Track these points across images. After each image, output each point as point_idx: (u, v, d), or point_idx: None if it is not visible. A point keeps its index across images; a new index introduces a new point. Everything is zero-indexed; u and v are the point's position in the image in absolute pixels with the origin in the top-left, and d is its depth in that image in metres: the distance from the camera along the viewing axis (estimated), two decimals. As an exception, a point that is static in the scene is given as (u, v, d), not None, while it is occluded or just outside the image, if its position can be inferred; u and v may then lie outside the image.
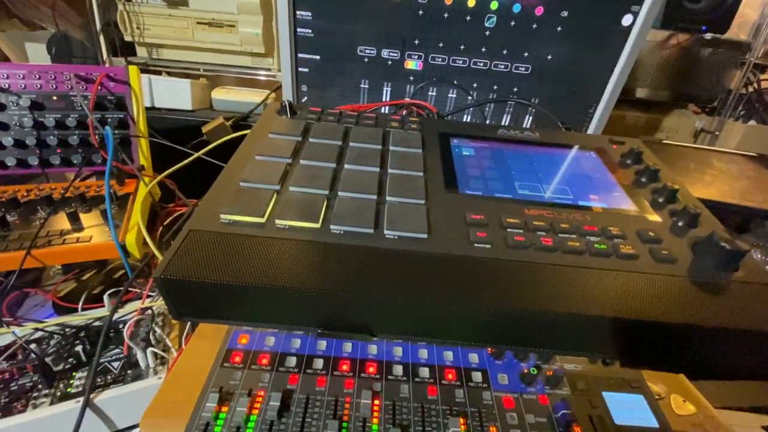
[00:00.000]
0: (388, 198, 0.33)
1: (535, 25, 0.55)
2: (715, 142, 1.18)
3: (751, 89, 1.23)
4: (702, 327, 0.26)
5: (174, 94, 0.92)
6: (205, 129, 0.85)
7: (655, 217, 0.35)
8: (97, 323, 0.54)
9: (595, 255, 0.30)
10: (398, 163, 0.37)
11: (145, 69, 1.03)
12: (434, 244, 0.29)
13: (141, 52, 1.03)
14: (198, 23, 0.98)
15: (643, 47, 1.07)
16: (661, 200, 0.37)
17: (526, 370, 0.38)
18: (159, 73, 1.02)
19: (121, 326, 0.53)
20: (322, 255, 0.27)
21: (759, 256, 0.68)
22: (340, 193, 0.33)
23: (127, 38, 0.99)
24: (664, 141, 0.87)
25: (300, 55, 0.57)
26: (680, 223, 0.34)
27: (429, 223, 0.31)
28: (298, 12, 0.54)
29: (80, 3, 0.99)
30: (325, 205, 0.31)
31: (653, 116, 1.13)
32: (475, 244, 0.30)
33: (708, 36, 1.06)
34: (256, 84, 1.05)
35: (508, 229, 0.31)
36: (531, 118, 0.62)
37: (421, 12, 0.54)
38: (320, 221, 0.30)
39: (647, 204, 0.36)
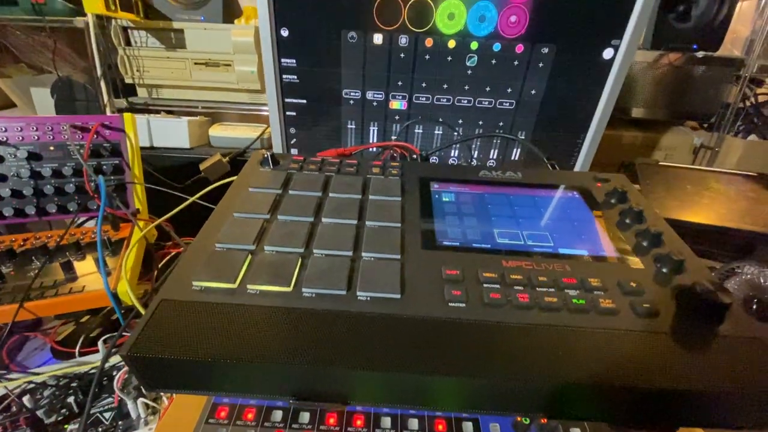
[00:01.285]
0: (363, 254, 0.33)
1: (516, 62, 0.56)
2: (716, 158, 1.16)
3: (748, 103, 1.22)
4: (682, 391, 0.25)
5: (172, 133, 0.94)
6: (202, 166, 0.87)
7: (638, 264, 0.34)
8: (93, 370, 0.54)
9: (573, 312, 0.29)
10: (376, 215, 0.37)
11: (145, 109, 1.06)
12: (407, 304, 0.29)
13: (141, 92, 1.07)
14: (195, 63, 1.01)
15: (635, 67, 1.07)
16: (645, 244, 0.36)
17: (519, 418, 0.37)
18: (158, 112, 1.05)
19: (115, 373, 0.53)
20: (292, 322, 0.27)
21: (750, 273, 0.66)
22: (315, 251, 0.33)
23: (128, 80, 1.02)
24: (661, 162, 0.86)
25: (287, 99, 0.59)
26: (664, 270, 0.33)
27: (403, 282, 0.30)
28: (282, 60, 0.55)
29: (82, 47, 1.03)
30: (299, 265, 0.31)
31: (650, 135, 1.12)
32: (450, 303, 0.29)
33: (700, 54, 1.06)
34: (257, 119, 1.07)
35: (485, 285, 0.31)
36: (518, 151, 0.62)
37: (402, 55, 0.55)
38: (292, 284, 0.30)
39: (630, 249, 0.36)
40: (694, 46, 1.05)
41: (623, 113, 1.12)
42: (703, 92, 1.12)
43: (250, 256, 0.32)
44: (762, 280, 0.65)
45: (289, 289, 0.29)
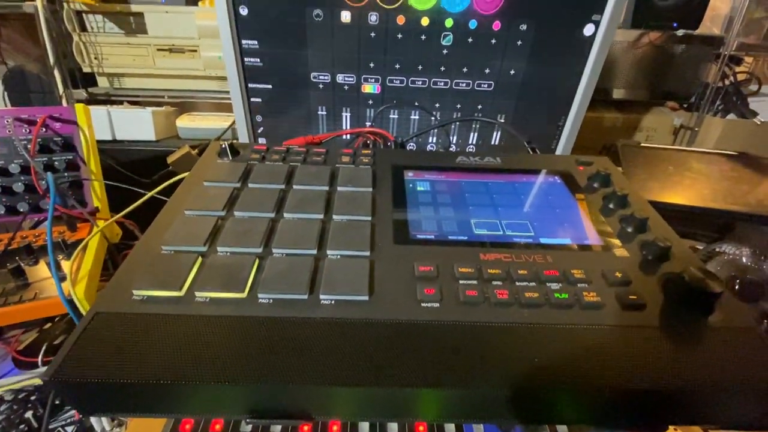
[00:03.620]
0: (328, 252, 0.30)
1: (494, 41, 0.52)
2: (695, 138, 1.16)
3: (727, 82, 1.22)
4: (673, 389, 0.23)
5: (136, 125, 0.88)
6: (170, 159, 0.81)
7: (623, 252, 0.32)
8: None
9: (555, 307, 0.27)
10: (344, 208, 0.34)
11: (107, 99, 1.00)
12: (376, 307, 0.26)
13: (102, 82, 1.00)
14: (158, 50, 0.95)
15: (615, 48, 1.06)
16: (630, 230, 0.34)
17: (502, 416, 0.35)
18: (122, 102, 0.99)
19: (77, 384, 0.49)
20: (245, 333, 0.24)
21: (731, 254, 0.66)
22: (274, 251, 0.30)
23: (86, 69, 0.96)
24: (643, 144, 0.85)
25: (251, 85, 0.54)
26: (650, 257, 0.31)
27: (372, 281, 0.28)
28: (243, 41, 0.51)
29: (34, 35, 0.95)
30: (255, 267, 0.28)
31: (631, 116, 1.11)
32: (422, 304, 0.27)
33: (680, 32, 1.05)
34: (227, 107, 1.02)
35: (460, 281, 0.28)
36: (498, 134, 0.59)
37: (373, 34, 0.51)
38: (246, 290, 0.26)
39: (615, 236, 0.33)
40: (674, 24, 1.04)
41: (604, 95, 1.11)
42: (683, 72, 1.11)
43: (200, 259, 0.28)
44: (744, 260, 0.65)
45: (243, 296, 0.26)
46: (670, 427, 0.26)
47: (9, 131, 0.58)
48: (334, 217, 0.33)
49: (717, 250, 0.70)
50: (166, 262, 0.28)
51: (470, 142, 0.60)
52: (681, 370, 0.24)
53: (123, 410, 0.24)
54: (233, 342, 0.23)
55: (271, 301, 0.26)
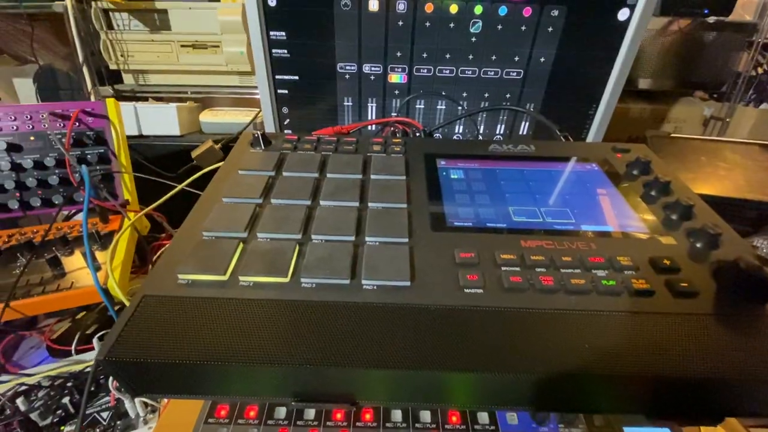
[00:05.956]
0: (367, 238, 0.30)
1: (524, 27, 0.51)
2: (727, 129, 1.12)
3: (761, 71, 1.17)
4: (729, 379, 0.22)
5: (161, 120, 0.90)
6: (194, 154, 0.83)
7: (669, 240, 0.31)
8: (88, 369, 0.52)
9: (603, 294, 0.26)
10: (379, 195, 0.34)
11: (132, 96, 1.02)
12: (418, 293, 0.26)
13: (128, 79, 1.02)
14: (182, 46, 0.96)
15: (643, 36, 1.02)
16: (674, 217, 0.33)
17: (537, 408, 0.35)
18: (146, 99, 1.01)
19: (111, 371, 0.51)
20: (290, 317, 0.24)
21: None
22: (313, 237, 0.30)
23: (113, 66, 0.98)
24: (673, 135, 0.82)
25: (277, 76, 0.54)
26: (699, 245, 0.30)
27: (412, 267, 0.27)
28: (271, 33, 0.51)
29: (63, 34, 0.98)
30: (296, 252, 0.28)
31: (659, 107, 1.08)
32: (465, 290, 0.26)
33: (711, 19, 1.01)
34: (249, 102, 1.03)
35: (503, 268, 0.28)
36: (527, 124, 0.58)
37: (400, 23, 0.51)
38: (289, 274, 0.26)
39: (659, 223, 0.32)
40: (705, 11, 1.00)
41: (630, 84, 1.07)
42: (713, 60, 1.07)
43: (241, 245, 0.29)
44: (783, 253, 0.62)
45: (286, 280, 0.26)
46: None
47: (44, 125, 0.59)
48: (370, 204, 0.33)
49: (752, 244, 0.67)
50: (208, 248, 0.28)
51: (498, 132, 0.59)
52: (740, 358, 0.23)
53: (170, 391, 0.25)
54: (279, 324, 0.24)
55: (314, 285, 0.26)
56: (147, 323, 0.23)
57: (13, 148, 0.59)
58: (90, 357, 0.55)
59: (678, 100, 1.11)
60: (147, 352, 0.22)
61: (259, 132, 0.39)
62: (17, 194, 0.59)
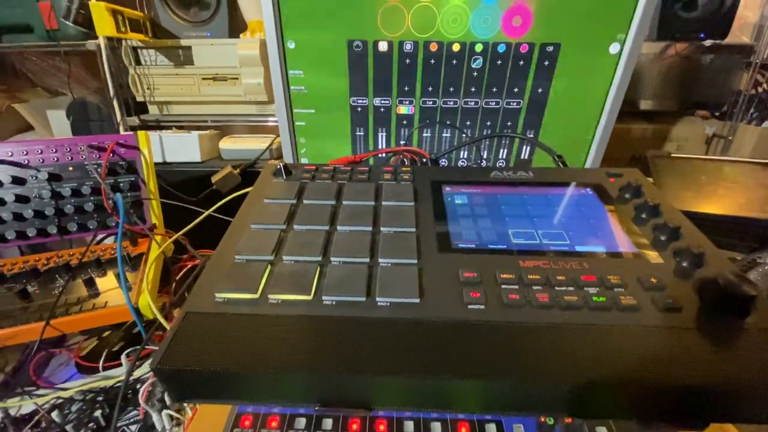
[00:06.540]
0: (380, 260, 0.33)
1: (521, 62, 0.56)
2: (729, 147, 1.14)
3: (761, 89, 1.19)
4: (712, 386, 0.24)
5: (183, 148, 0.96)
6: (214, 179, 0.88)
7: (657, 259, 0.34)
8: (117, 384, 0.56)
9: (594, 309, 0.29)
10: (391, 220, 0.37)
11: (156, 125, 1.08)
12: (427, 308, 0.29)
13: (153, 109, 1.09)
14: (203, 79, 1.03)
15: (641, 59, 1.06)
16: (663, 238, 0.36)
17: (543, 419, 0.37)
18: (170, 128, 1.07)
19: (139, 386, 0.54)
20: (313, 330, 0.28)
21: None
22: (332, 259, 0.33)
23: (139, 98, 1.05)
24: (673, 154, 0.85)
25: (295, 110, 0.59)
26: (684, 264, 0.33)
27: (421, 286, 0.31)
28: (290, 71, 0.56)
29: (94, 69, 1.05)
30: (317, 273, 0.32)
31: (662, 127, 1.11)
32: (469, 306, 0.29)
33: (708, 43, 1.05)
34: (265, 129, 1.09)
35: (503, 286, 0.31)
36: (527, 149, 0.62)
37: (408, 60, 0.56)
38: (312, 293, 0.30)
39: (648, 244, 0.35)
40: (702, 35, 1.04)
41: (631, 106, 1.11)
42: (713, 81, 1.10)
43: (269, 267, 0.32)
44: (785, 270, 0.63)
45: (310, 298, 0.30)
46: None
47: (82, 157, 0.65)
48: (382, 229, 0.37)
49: (757, 260, 0.68)
50: (241, 270, 0.32)
51: (500, 158, 0.63)
52: (718, 367, 0.25)
53: (209, 396, 0.28)
54: (305, 336, 0.27)
55: (334, 302, 0.29)
56: (190, 337, 0.27)
57: (53, 177, 0.64)
58: (118, 373, 0.59)
59: (679, 119, 1.14)
60: (192, 361, 0.25)
61: (281, 164, 0.43)
62: (56, 220, 0.64)
